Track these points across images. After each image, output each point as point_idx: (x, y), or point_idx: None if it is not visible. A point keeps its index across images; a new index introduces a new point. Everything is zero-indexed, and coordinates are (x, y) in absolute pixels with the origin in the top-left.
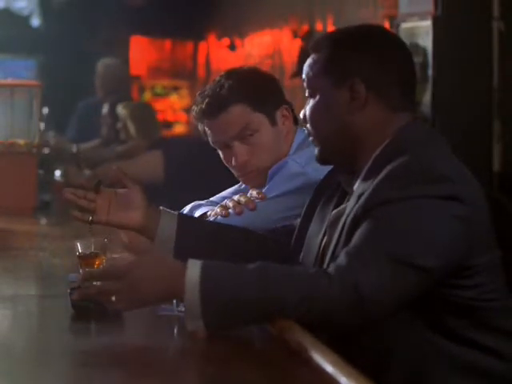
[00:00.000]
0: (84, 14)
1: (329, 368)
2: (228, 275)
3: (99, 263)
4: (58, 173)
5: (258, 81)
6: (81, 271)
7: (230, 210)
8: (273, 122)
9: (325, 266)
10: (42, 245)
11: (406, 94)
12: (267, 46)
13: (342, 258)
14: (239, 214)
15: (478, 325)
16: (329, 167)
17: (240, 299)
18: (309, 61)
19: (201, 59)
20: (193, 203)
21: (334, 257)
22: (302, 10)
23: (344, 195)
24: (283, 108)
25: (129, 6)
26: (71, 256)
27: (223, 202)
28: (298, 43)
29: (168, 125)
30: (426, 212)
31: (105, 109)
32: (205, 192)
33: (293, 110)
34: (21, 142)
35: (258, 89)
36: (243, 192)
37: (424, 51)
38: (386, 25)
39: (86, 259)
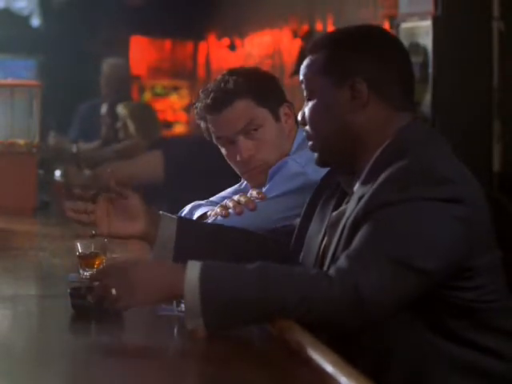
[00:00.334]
0: (84, 13)
1: (329, 368)
2: (228, 275)
3: (99, 263)
4: (57, 173)
5: (261, 78)
6: (81, 271)
7: (230, 210)
8: (276, 118)
9: (325, 268)
10: (42, 245)
11: (406, 94)
12: (267, 45)
13: (342, 261)
14: (239, 214)
15: (478, 325)
16: None
17: (240, 299)
18: (306, 62)
19: (201, 59)
20: (193, 203)
21: (334, 259)
22: (301, 9)
23: (344, 195)
24: (285, 106)
25: (129, 6)
26: (71, 256)
27: (223, 202)
28: (298, 43)
29: (168, 125)
30: (426, 214)
31: (104, 108)
32: (205, 192)
33: (293, 109)
34: (21, 141)
35: (261, 85)
36: (243, 192)
37: (424, 51)
38: (386, 25)
39: (86, 259)
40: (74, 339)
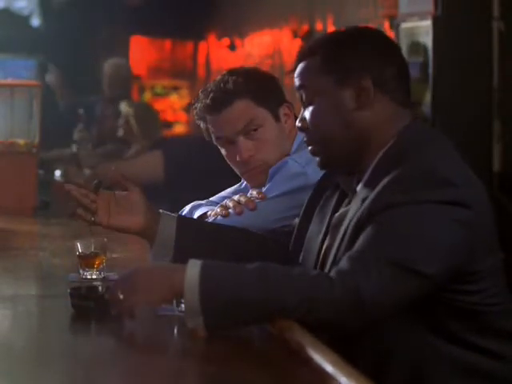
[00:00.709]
0: (84, 13)
1: (329, 368)
2: (228, 275)
3: (99, 263)
4: (57, 173)
5: (261, 78)
6: (81, 271)
7: (230, 210)
8: (276, 118)
9: (326, 269)
10: (42, 245)
11: (406, 90)
12: (267, 45)
13: (343, 263)
14: (239, 213)
15: (479, 328)
16: None
17: (240, 299)
18: (301, 67)
19: (201, 59)
20: (193, 203)
21: (335, 261)
22: (301, 9)
23: (343, 196)
24: (285, 106)
25: (129, 6)
26: (71, 256)
27: (223, 202)
28: (297, 43)
29: (168, 125)
30: (428, 217)
31: (104, 108)
32: (205, 192)
33: (293, 109)
34: (21, 141)
35: (261, 85)
36: (243, 192)
37: (424, 51)
38: (386, 25)
39: (86, 259)
40: (74, 339)
